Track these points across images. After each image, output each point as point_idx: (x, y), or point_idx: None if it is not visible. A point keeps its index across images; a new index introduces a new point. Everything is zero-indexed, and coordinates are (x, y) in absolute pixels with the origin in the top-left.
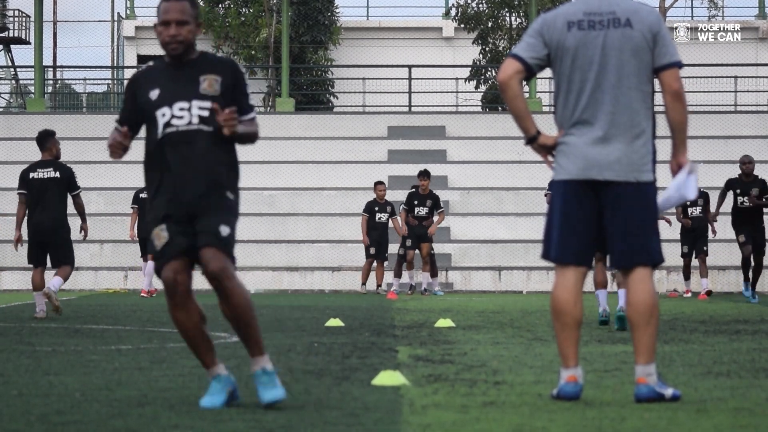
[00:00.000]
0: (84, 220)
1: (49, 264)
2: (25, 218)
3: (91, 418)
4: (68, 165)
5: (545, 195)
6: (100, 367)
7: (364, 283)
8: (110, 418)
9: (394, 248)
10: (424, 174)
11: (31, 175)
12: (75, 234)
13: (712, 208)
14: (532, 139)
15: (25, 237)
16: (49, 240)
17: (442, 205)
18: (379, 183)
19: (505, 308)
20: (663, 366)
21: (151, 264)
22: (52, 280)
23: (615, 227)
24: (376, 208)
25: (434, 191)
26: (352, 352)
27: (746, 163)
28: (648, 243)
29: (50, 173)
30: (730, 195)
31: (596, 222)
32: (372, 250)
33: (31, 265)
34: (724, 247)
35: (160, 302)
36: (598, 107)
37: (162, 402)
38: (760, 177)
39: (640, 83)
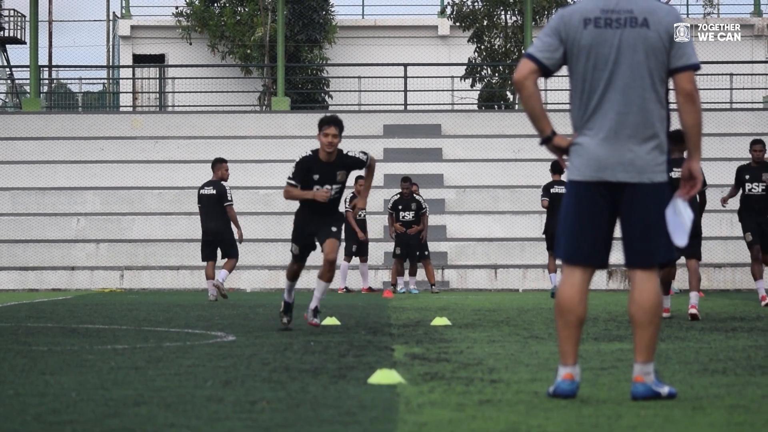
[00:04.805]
0: (237, 226)
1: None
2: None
3: (87, 417)
4: (223, 184)
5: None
6: (96, 366)
7: (393, 284)
8: (106, 417)
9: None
10: (406, 180)
11: (201, 191)
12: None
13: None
14: (547, 140)
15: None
16: (216, 239)
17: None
18: (404, 179)
19: (501, 306)
20: (659, 363)
21: (345, 263)
22: (220, 273)
23: (631, 228)
24: (401, 207)
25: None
26: (348, 351)
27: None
28: (663, 242)
29: (210, 191)
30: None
31: (610, 222)
32: (398, 250)
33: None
34: (719, 244)
35: (156, 301)
36: (610, 107)
37: (158, 401)
38: None
39: (654, 84)
